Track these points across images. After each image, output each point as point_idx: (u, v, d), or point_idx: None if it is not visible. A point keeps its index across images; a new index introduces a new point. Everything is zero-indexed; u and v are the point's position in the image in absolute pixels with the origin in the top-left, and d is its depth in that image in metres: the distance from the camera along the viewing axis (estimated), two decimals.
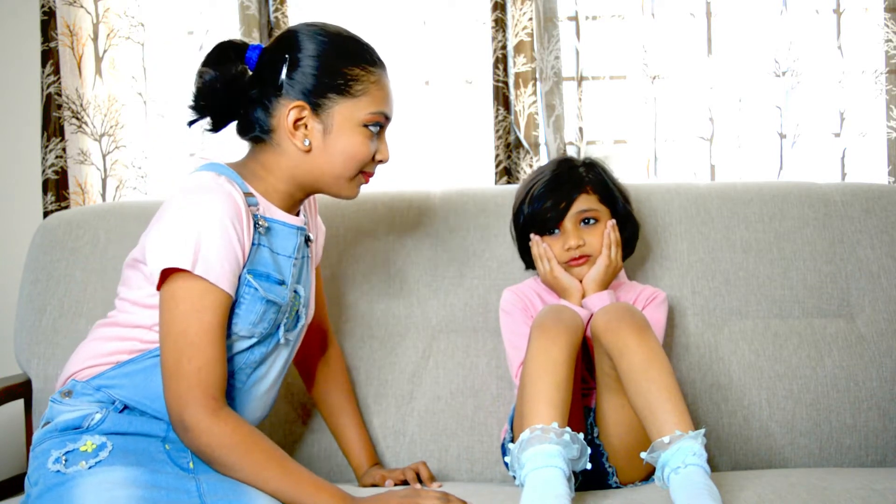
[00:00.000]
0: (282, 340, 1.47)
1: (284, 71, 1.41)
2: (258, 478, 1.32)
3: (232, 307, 1.38)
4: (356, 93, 1.42)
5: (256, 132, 1.44)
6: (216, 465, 1.33)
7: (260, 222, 1.41)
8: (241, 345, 1.42)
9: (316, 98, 1.40)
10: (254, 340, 1.43)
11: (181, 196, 1.37)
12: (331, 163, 1.43)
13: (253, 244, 1.40)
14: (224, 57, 1.41)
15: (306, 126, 1.41)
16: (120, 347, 1.42)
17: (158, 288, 1.36)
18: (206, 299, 1.33)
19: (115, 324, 1.45)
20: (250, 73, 1.43)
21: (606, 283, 1.71)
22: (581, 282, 1.71)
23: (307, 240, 1.53)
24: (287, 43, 1.43)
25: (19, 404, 1.90)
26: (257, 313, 1.40)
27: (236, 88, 1.41)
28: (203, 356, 1.32)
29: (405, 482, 1.61)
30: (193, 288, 1.33)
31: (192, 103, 1.42)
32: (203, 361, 1.32)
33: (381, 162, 1.48)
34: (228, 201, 1.36)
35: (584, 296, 1.70)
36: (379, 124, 1.45)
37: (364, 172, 1.47)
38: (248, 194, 1.42)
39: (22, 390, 1.81)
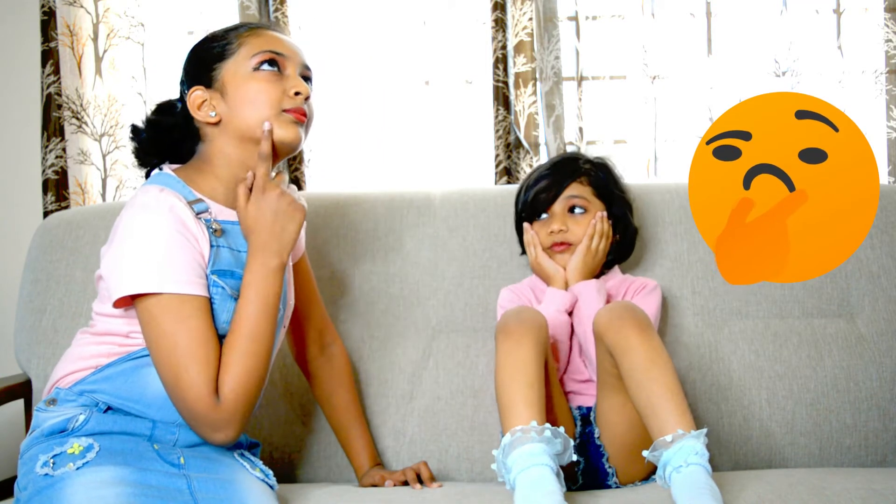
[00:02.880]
0: None
1: (181, 77, 1.52)
2: (261, 352, 1.38)
3: None
4: (233, 50, 1.48)
5: (187, 137, 1.51)
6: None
7: (213, 226, 1.44)
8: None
9: (203, 75, 1.48)
10: None
11: (127, 217, 1.40)
12: (241, 116, 1.45)
13: (212, 246, 1.42)
14: (157, 113, 1.54)
15: (211, 103, 1.47)
16: (99, 351, 1.44)
17: (118, 306, 1.39)
18: (185, 308, 1.35)
19: (95, 333, 1.47)
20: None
21: (589, 271, 1.73)
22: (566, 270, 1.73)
23: None
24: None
25: (19, 404, 1.90)
26: (229, 311, 1.41)
27: (165, 124, 1.52)
28: (198, 361, 1.34)
29: (406, 483, 1.61)
30: (171, 302, 1.35)
31: (139, 155, 1.54)
32: (200, 365, 1.33)
33: (298, 94, 1.46)
34: (171, 217, 1.38)
35: (567, 284, 1.72)
36: (272, 62, 1.47)
37: (287, 111, 1.46)
38: (196, 201, 1.44)
39: (22, 390, 1.81)
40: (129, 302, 1.38)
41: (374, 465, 1.71)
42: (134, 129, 1.54)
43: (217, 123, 1.47)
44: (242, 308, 1.39)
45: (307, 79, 1.52)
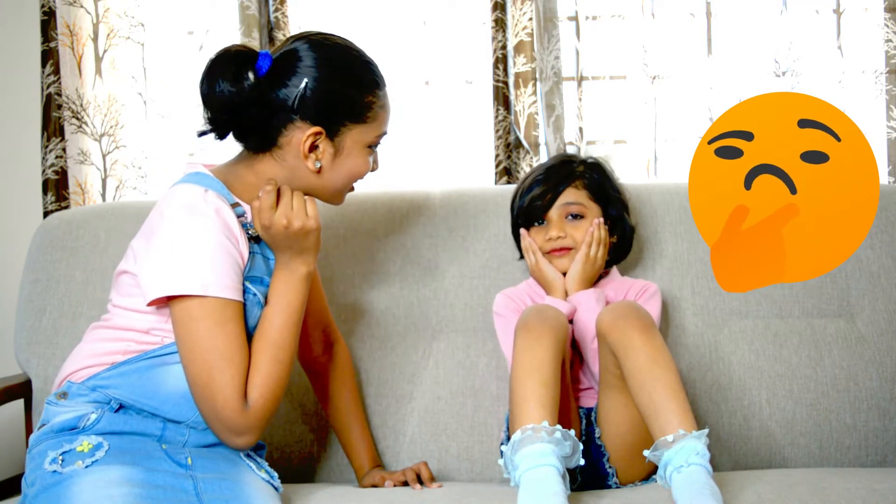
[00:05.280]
0: None
1: (302, 93, 1.40)
2: (286, 360, 1.40)
3: None
4: (368, 119, 1.46)
5: (260, 141, 1.44)
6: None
7: (251, 232, 1.44)
8: None
9: (332, 125, 1.43)
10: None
11: (172, 215, 1.38)
12: (333, 181, 1.47)
13: (250, 253, 1.42)
14: (240, 69, 1.38)
15: (318, 147, 1.43)
16: (115, 348, 1.43)
17: (153, 304, 1.37)
18: (226, 312, 1.36)
19: (111, 327, 1.46)
20: (261, 83, 1.40)
21: (588, 280, 1.72)
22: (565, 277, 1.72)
23: None
24: (301, 62, 1.41)
25: (19, 404, 1.90)
26: (255, 317, 1.42)
27: (257, 103, 1.39)
28: (233, 365, 1.35)
29: (406, 483, 1.61)
30: (214, 305, 1.35)
31: (209, 116, 1.41)
32: (234, 369, 1.35)
33: (372, 170, 1.53)
34: (219, 221, 1.37)
35: (567, 293, 1.71)
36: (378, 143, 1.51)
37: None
38: (234, 205, 1.43)
39: (22, 390, 1.81)
40: (164, 301, 1.37)
41: (374, 465, 1.71)
42: (225, 76, 1.37)
43: (314, 172, 1.44)
44: (272, 316, 1.40)
45: None
